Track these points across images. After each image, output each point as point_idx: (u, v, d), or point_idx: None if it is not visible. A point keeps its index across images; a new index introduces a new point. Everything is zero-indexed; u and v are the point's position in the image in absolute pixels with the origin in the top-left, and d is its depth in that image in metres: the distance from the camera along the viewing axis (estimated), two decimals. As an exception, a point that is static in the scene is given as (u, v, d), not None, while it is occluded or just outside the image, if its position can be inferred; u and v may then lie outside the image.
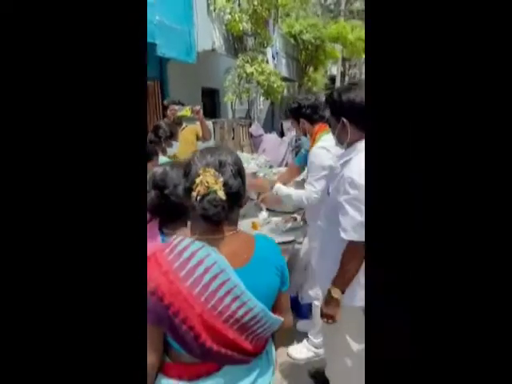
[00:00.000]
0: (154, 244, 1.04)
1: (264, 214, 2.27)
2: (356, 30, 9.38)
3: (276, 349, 0.99)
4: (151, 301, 0.75)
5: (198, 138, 3.20)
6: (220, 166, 0.79)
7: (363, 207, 1.20)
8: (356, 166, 1.26)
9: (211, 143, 3.78)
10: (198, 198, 0.75)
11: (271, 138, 5.59)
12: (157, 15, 3.84)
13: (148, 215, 1.13)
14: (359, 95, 1.26)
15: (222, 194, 0.75)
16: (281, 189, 1.94)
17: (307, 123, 1.87)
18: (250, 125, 6.12)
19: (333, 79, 13.45)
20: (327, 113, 1.63)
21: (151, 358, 0.79)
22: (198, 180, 0.76)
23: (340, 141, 1.37)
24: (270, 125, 9.31)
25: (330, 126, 1.45)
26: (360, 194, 1.20)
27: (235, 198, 0.79)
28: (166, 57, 4.28)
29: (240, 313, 0.77)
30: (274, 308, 0.87)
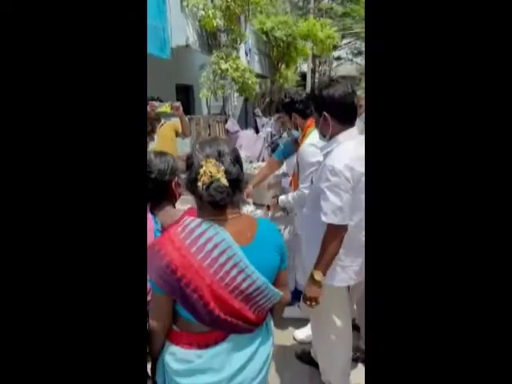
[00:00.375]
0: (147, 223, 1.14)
1: (251, 207, 2.36)
2: (326, 28, 9.59)
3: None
4: (165, 273, 0.83)
5: (177, 135, 3.21)
6: (219, 156, 0.87)
7: (343, 193, 1.31)
8: (337, 155, 1.36)
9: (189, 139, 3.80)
10: (204, 186, 0.83)
11: (247, 134, 5.66)
12: (130, 10, 3.77)
13: None
14: (338, 90, 1.37)
15: (224, 181, 0.84)
16: (283, 200, 2.10)
17: (299, 118, 1.95)
18: (226, 121, 6.15)
19: (303, 76, 13.65)
20: None
21: (158, 325, 0.89)
22: (201, 171, 0.84)
23: (323, 133, 1.47)
24: (244, 121, 9.36)
25: (315, 123, 1.55)
26: (340, 180, 1.30)
27: (236, 184, 0.88)
28: (140, 52, 4.22)
29: (244, 285, 0.86)
30: (275, 283, 0.96)
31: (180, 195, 1.32)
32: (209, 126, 5.73)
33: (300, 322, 2.22)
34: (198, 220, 0.88)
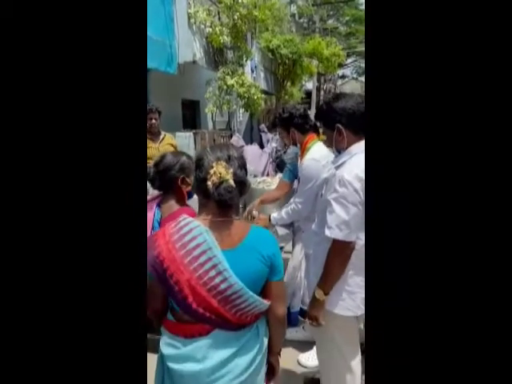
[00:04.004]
0: (149, 214, 1.36)
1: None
2: (331, 46, 9.71)
3: (271, 337, 1.05)
4: (155, 262, 0.90)
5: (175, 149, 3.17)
6: (229, 159, 0.93)
7: (350, 206, 1.22)
8: (348, 166, 1.29)
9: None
10: (214, 186, 0.89)
11: (252, 149, 5.63)
12: (138, 26, 3.83)
13: (154, 194, 1.46)
14: (349, 101, 1.32)
15: (232, 183, 0.90)
16: (275, 217, 2.04)
17: (298, 133, 1.90)
18: (231, 136, 6.15)
19: (309, 93, 13.78)
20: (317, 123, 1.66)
21: (148, 308, 0.97)
22: (211, 171, 0.89)
23: (338, 149, 1.39)
24: (249, 137, 9.37)
25: (327, 140, 1.47)
26: (348, 191, 1.23)
27: (241, 187, 0.94)
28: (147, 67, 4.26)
29: (223, 286, 0.90)
30: (264, 295, 0.97)
31: (188, 194, 1.42)
32: (214, 140, 5.72)
33: (304, 346, 2.10)
34: (189, 218, 0.93)
